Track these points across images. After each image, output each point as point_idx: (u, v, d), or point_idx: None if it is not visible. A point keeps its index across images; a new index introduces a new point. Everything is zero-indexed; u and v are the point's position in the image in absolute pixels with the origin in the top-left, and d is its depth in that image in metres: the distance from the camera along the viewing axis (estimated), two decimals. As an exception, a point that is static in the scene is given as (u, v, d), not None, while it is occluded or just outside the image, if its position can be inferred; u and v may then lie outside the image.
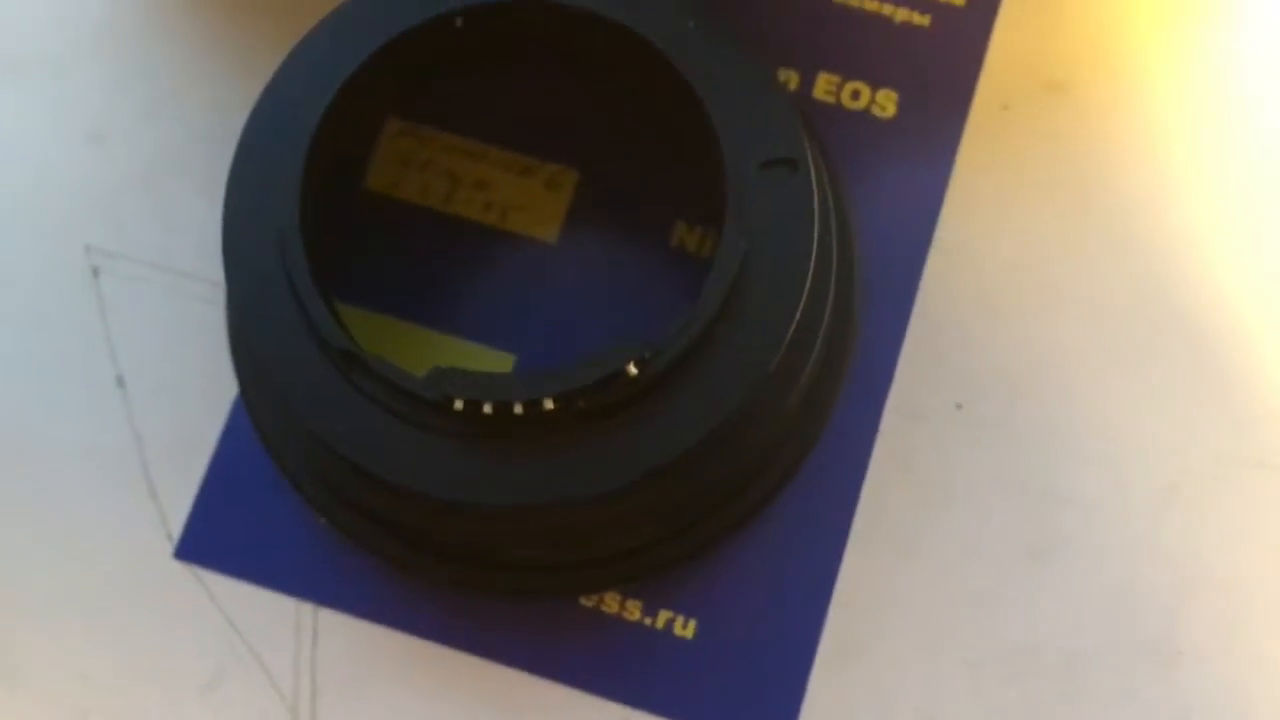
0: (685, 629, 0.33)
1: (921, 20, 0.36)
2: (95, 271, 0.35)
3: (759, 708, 0.32)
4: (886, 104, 0.35)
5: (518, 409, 0.29)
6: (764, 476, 0.32)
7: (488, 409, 0.29)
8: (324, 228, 0.31)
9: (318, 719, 0.33)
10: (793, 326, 0.30)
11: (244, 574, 0.33)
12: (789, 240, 0.30)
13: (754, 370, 0.29)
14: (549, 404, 0.29)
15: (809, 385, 0.32)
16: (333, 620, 0.33)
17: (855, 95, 0.35)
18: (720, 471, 0.31)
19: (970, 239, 0.35)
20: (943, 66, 0.35)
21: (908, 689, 0.32)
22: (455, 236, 0.34)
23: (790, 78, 0.35)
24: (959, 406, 0.34)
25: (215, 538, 0.33)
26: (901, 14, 0.36)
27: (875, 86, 0.35)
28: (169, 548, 0.33)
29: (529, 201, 0.35)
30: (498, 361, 0.34)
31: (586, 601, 0.33)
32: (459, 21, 0.31)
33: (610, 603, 0.33)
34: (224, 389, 0.34)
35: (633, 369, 0.29)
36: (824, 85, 0.35)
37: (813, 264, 0.30)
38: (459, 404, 0.29)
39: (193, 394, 0.34)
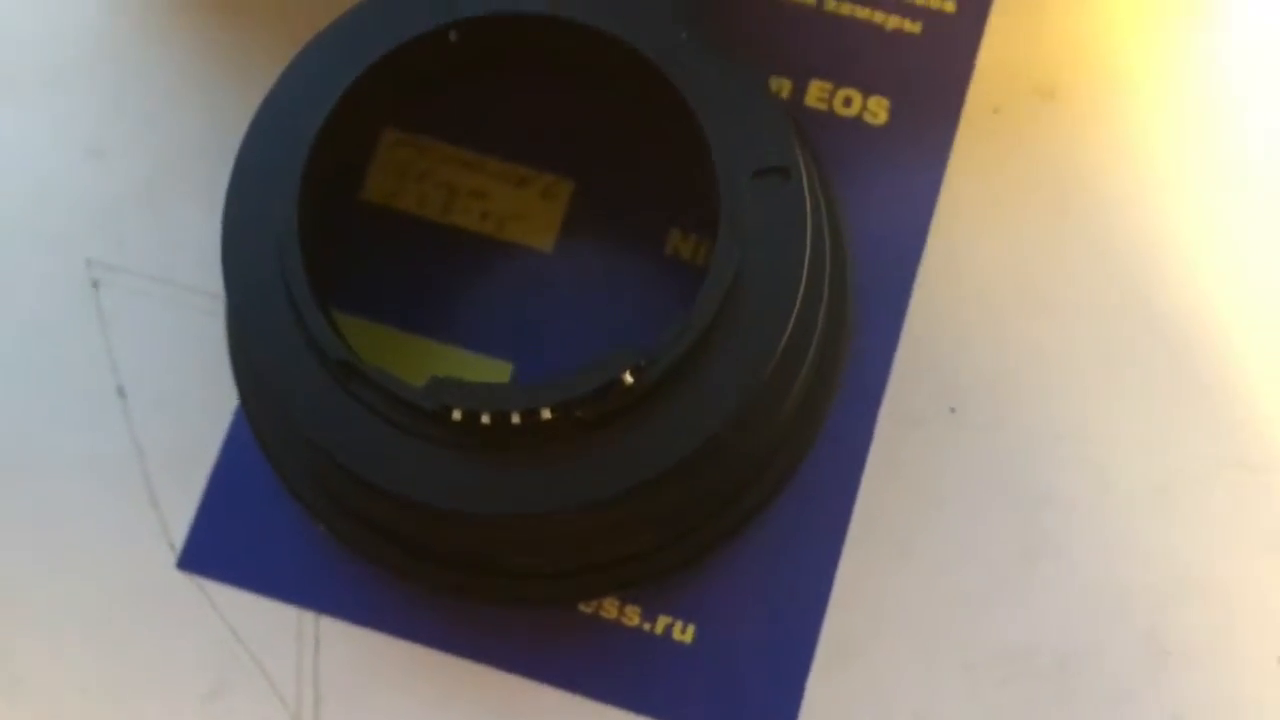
0: (684, 634, 0.33)
1: (912, 27, 0.36)
2: (96, 284, 0.35)
3: (757, 711, 0.32)
4: (878, 110, 0.36)
5: (515, 419, 0.29)
6: (760, 482, 0.33)
7: (486, 419, 0.29)
8: (322, 238, 0.32)
9: (320, 726, 0.33)
10: (787, 334, 0.30)
11: (246, 583, 0.33)
12: (782, 248, 0.30)
13: (749, 377, 0.29)
14: (546, 413, 0.29)
15: (804, 391, 0.32)
16: (334, 628, 0.33)
17: (847, 102, 0.36)
18: (716, 478, 0.31)
19: (962, 244, 0.35)
20: (933, 73, 0.36)
21: (904, 691, 0.33)
22: (452, 246, 0.35)
23: (782, 85, 0.36)
24: (953, 410, 0.34)
25: (217, 547, 0.34)
26: (892, 21, 0.36)
27: (867, 93, 0.36)
28: (171, 558, 0.34)
29: (525, 211, 0.35)
30: (495, 370, 0.34)
31: (586, 607, 0.33)
32: (454, 35, 0.32)
33: (609, 608, 0.33)
34: (224, 399, 0.34)
35: (629, 378, 0.29)
36: (816, 92, 0.36)
37: (806, 271, 0.30)
38: (457, 414, 0.29)
39: (193, 405, 0.34)
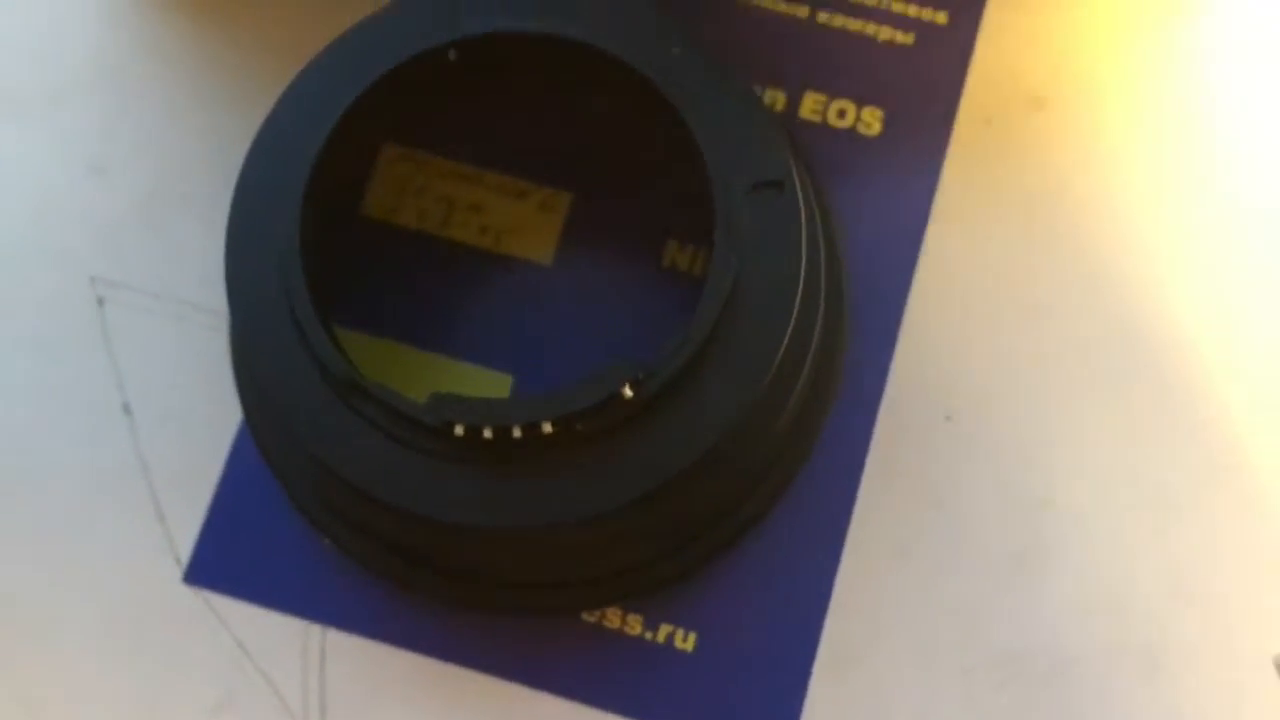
0: (685, 642, 0.33)
1: (905, 39, 0.36)
2: (100, 302, 0.35)
3: (759, 717, 0.33)
4: (872, 121, 0.36)
5: (517, 433, 0.29)
6: (759, 491, 0.33)
7: (488, 434, 0.29)
8: (323, 254, 0.32)
9: (327, 737, 0.33)
10: (784, 345, 0.30)
11: (251, 596, 0.34)
12: (778, 261, 0.30)
13: (746, 389, 0.30)
14: (547, 427, 0.29)
15: (801, 401, 0.32)
16: (340, 641, 0.33)
17: (841, 114, 0.36)
18: (716, 488, 0.31)
19: (956, 252, 0.35)
20: (926, 84, 0.36)
21: (903, 696, 0.33)
22: (452, 260, 0.35)
23: (777, 98, 0.36)
24: (948, 418, 0.34)
25: (223, 561, 0.34)
26: (885, 33, 0.36)
27: (860, 104, 0.36)
28: (177, 572, 0.34)
29: (523, 224, 0.35)
30: (496, 382, 0.34)
31: (589, 617, 0.33)
32: (453, 54, 0.32)
33: (612, 618, 0.33)
34: (229, 415, 0.34)
35: (628, 391, 0.29)
36: (810, 104, 0.36)
37: (802, 283, 0.30)
38: (459, 429, 0.29)
39: (198, 420, 0.34)
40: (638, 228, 0.35)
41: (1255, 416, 0.34)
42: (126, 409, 0.35)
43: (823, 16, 0.36)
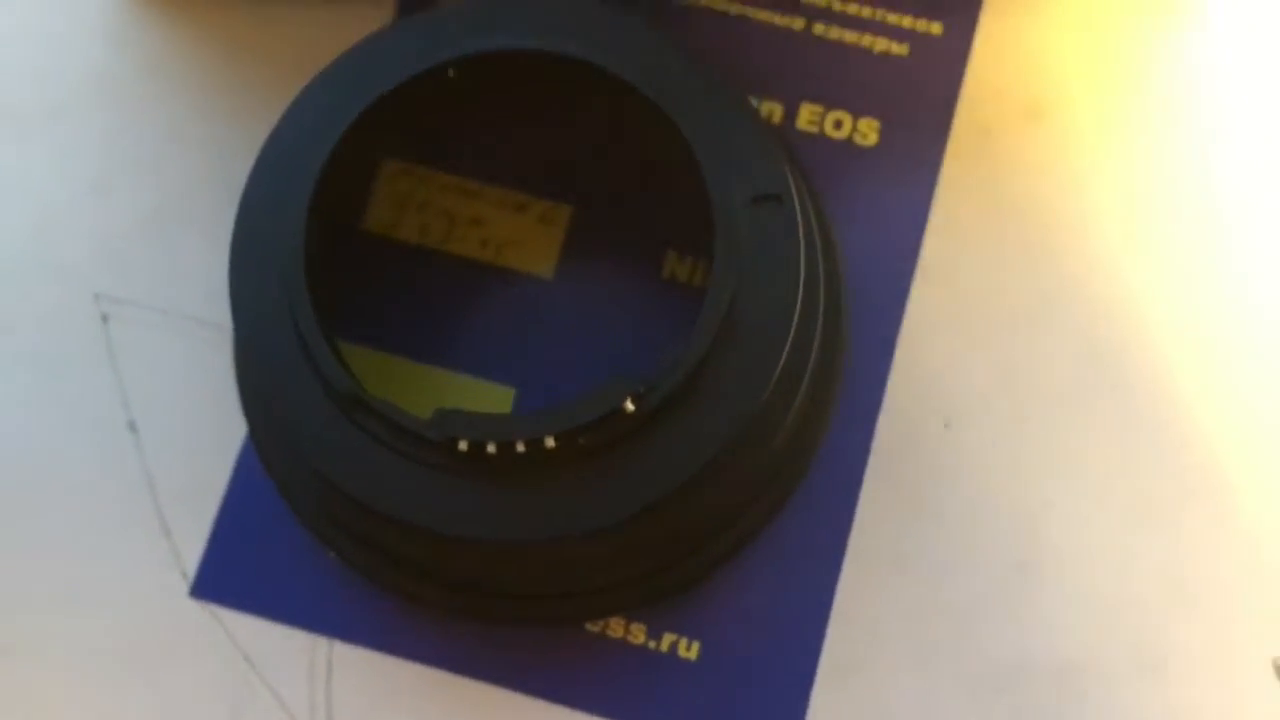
0: (689, 651, 0.33)
1: (900, 49, 0.36)
2: (105, 318, 0.36)
3: (762, 725, 0.33)
4: (868, 132, 0.36)
5: (520, 448, 0.29)
6: (760, 502, 0.33)
7: (491, 448, 0.29)
8: (326, 270, 0.32)
9: (334, 749, 0.33)
10: (783, 357, 0.30)
11: (258, 610, 0.34)
12: (777, 273, 0.30)
13: (747, 401, 0.30)
14: (550, 442, 0.29)
15: (801, 411, 0.32)
16: (346, 653, 0.33)
17: (838, 125, 0.36)
18: (717, 500, 0.32)
19: (954, 262, 0.35)
20: (922, 94, 0.36)
21: (905, 705, 0.33)
22: (454, 274, 0.35)
23: (774, 109, 0.36)
24: (947, 426, 0.34)
25: (229, 575, 0.34)
26: (880, 44, 0.37)
27: (857, 115, 0.36)
28: (184, 586, 0.34)
29: (524, 238, 0.35)
30: (498, 395, 0.34)
31: (592, 627, 0.34)
32: (453, 72, 0.32)
33: (615, 627, 0.34)
34: (233, 430, 0.35)
35: (630, 405, 0.29)
36: (807, 115, 0.36)
37: (800, 295, 0.30)
38: (463, 444, 0.29)
39: (203, 436, 0.35)
40: (638, 239, 0.35)
41: (1254, 421, 0.34)
42: (132, 425, 0.35)
43: (818, 28, 0.37)
